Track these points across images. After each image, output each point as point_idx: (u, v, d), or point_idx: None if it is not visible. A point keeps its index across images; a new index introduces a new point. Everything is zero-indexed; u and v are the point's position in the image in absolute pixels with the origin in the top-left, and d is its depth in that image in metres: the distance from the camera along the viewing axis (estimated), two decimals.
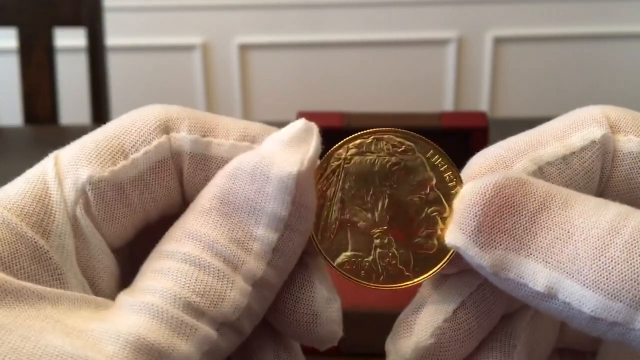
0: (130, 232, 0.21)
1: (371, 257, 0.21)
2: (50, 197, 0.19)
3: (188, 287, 0.18)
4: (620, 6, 1.74)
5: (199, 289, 0.18)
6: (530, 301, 0.18)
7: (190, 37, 1.75)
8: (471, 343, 0.20)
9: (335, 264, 0.21)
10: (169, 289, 0.18)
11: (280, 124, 0.21)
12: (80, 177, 0.19)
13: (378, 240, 0.21)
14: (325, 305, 0.20)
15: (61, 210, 0.19)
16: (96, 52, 1.08)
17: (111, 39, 1.22)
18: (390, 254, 0.21)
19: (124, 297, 0.18)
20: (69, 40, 1.30)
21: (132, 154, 0.20)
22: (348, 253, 0.21)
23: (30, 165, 0.20)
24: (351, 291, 0.21)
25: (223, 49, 1.76)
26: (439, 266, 0.20)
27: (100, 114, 1.08)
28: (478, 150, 0.21)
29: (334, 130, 0.48)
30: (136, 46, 1.75)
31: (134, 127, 0.20)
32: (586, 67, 1.78)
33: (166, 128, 0.20)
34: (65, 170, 0.19)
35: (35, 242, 0.18)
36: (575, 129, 0.20)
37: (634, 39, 1.76)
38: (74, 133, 0.22)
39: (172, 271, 0.18)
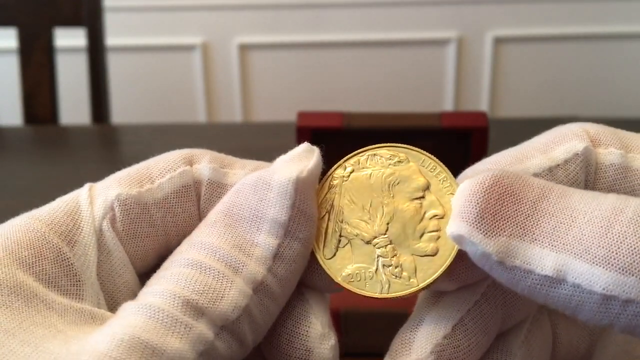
0: (151, 255, 0.22)
1: (375, 268, 0.21)
2: (80, 213, 0.20)
3: (187, 287, 0.19)
4: (620, 6, 1.74)
5: (198, 288, 0.19)
6: (539, 291, 0.18)
7: (190, 37, 1.75)
8: None
9: (340, 279, 0.21)
10: (169, 289, 0.18)
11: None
12: (109, 196, 0.21)
13: (380, 250, 0.21)
14: (320, 341, 0.21)
15: (89, 224, 0.20)
16: (96, 52, 1.08)
17: (111, 39, 1.23)
18: (393, 262, 0.21)
19: (126, 303, 0.19)
20: (69, 40, 1.30)
21: (158, 179, 0.21)
22: (352, 266, 0.21)
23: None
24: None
25: (223, 49, 1.76)
26: (442, 268, 0.20)
27: (100, 114, 1.08)
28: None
29: (334, 130, 0.48)
30: (136, 46, 1.75)
31: (162, 160, 0.22)
32: (586, 67, 1.78)
33: (190, 161, 0.22)
34: (98, 193, 0.21)
35: (60, 248, 0.19)
36: (557, 143, 0.21)
37: (634, 39, 1.76)
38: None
39: (174, 275, 0.19)
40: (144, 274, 0.22)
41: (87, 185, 0.21)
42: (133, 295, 0.21)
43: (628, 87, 1.79)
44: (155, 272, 0.21)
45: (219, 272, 0.19)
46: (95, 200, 0.21)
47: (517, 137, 0.22)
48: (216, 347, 0.18)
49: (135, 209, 0.21)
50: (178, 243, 0.22)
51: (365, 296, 0.21)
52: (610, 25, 1.75)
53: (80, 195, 0.21)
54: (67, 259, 0.19)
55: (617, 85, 1.80)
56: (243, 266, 0.19)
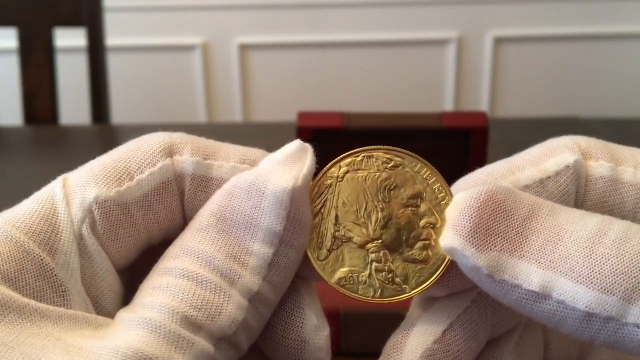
0: (133, 252, 0.21)
1: (367, 272, 0.21)
2: (57, 216, 0.20)
3: (185, 301, 0.18)
4: (620, 6, 1.74)
5: (196, 303, 0.18)
6: (524, 305, 0.19)
7: (190, 37, 1.75)
8: None
9: (332, 282, 0.21)
10: (167, 304, 0.18)
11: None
12: (87, 197, 0.20)
13: (373, 255, 0.21)
14: (314, 332, 0.21)
15: (68, 228, 0.19)
16: (96, 52, 1.08)
17: (111, 39, 1.23)
18: (386, 268, 0.21)
19: (122, 313, 0.19)
20: (69, 40, 1.30)
21: (137, 175, 0.21)
22: (345, 269, 0.21)
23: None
24: None
25: (223, 49, 1.76)
26: (434, 276, 0.21)
27: (100, 114, 1.08)
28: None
29: (334, 130, 0.48)
30: (136, 46, 1.75)
31: (139, 151, 0.21)
32: (586, 67, 1.78)
33: (170, 152, 0.21)
34: (73, 191, 0.20)
35: (42, 259, 0.19)
36: (549, 156, 0.21)
37: (634, 39, 1.76)
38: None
39: (170, 286, 0.19)
40: (126, 269, 0.21)
41: (60, 180, 0.21)
42: (117, 296, 0.21)
43: (628, 87, 1.79)
44: (137, 267, 0.21)
45: (215, 284, 0.19)
46: (71, 200, 0.20)
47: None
48: (215, 359, 0.19)
49: (115, 210, 0.20)
50: (161, 238, 0.21)
51: (357, 300, 0.21)
52: (610, 25, 1.75)
53: (55, 194, 0.20)
54: (50, 270, 0.19)
55: (617, 85, 1.80)
56: (239, 277, 0.19)
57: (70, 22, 1.08)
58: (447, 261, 0.21)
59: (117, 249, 0.20)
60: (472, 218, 0.19)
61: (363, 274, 0.21)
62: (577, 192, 0.21)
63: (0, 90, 1.51)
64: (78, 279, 0.19)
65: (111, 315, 0.20)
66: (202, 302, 0.19)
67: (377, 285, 0.21)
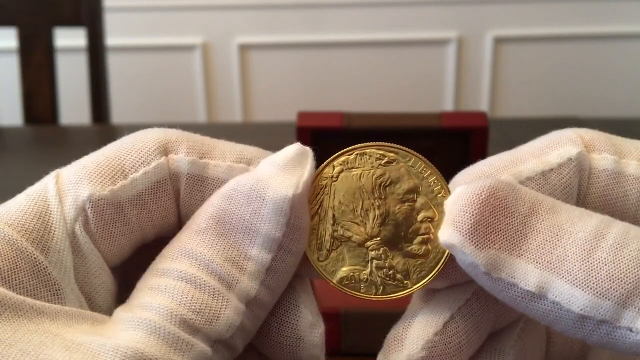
0: (126, 250, 0.21)
1: (368, 270, 0.21)
2: (50, 214, 0.19)
3: (184, 304, 0.18)
4: (620, 6, 1.74)
5: (195, 306, 0.19)
6: (519, 303, 0.19)
7: (190, 37, 1.75)
8: (461, 358, 0.21)
9: (334, 281, 0.21)
10: (166, 306, 0.18)
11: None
12: (80, 196, 0.20)
13: (373, 252, 0.21)
14: (309, 329, 0.21)
15: (61, 227, 0.19)
16: (96, 52, 1.08)
17: (111, 39, 1.23)
18: (386, 265, 0.21)
19: (121, 312, 0.19)
20: (69, 40, 1.30)
21: (131, 174, 0.20)
22: (345, 268, 0.21)
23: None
24: None
25: (223, 49, 1.76)
26: (435, 270, 0.21)
27: (100, 114, 1.08)
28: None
29: (334, 130, 0.48)
30: (136, 46, 1.75)
31: (134, 148, 0.21)
32: (586, 67, 1.78)
33: (165, 150, 0.21)
34: (66, 189, 0.20)
35: (35, 258, 0.19)
36: (552, 148, 0.21)
37: (634, 39, 1.76)
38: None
39: (169, 288, 0.19)
40: (119, 267, 0.22)
41: (53, 176, 0.20)
42: (111, 294, 0.21)
43: (628, 87, 1.79)
44: (130, 264, 0.21)
45: (214, 288, 0.19)
46: (64, 198, 0.20)
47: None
48: None
49: (108, 209, 0.20)
50: (154, 236, 0.21)
51: (360, 298, 0.21)
52: (610, 25, 1.75)
53: (48, 191, 0.20)
54: (44, 268, 0.19)
55: (617, 85, 1.80)
56: (237, 282, 0.19)
57: (70, 22, 1.08)
58: (447, 254, 0.20)
59: (111, 247, 0.20)
60: (472, 215, 0.19)
61: (364, 272, 0.21)
62: (580, 184, 0.21)
63: (0, 90, 1.51)
64: (71, 277, 0.19)
65: (105, 312, 0.20)
66: (200, 306, 0.19)
67: (379, 282, 0.21)
